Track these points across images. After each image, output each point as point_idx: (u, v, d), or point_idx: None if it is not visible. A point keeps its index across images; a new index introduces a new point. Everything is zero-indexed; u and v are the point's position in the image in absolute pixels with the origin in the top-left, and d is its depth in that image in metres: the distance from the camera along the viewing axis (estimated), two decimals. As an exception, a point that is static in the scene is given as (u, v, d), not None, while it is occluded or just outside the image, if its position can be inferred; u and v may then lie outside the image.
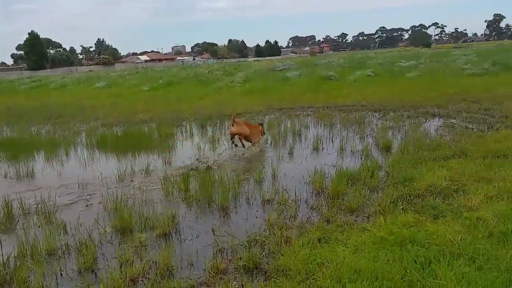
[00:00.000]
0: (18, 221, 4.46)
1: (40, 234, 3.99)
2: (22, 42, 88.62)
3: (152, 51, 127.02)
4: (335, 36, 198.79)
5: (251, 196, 4.80)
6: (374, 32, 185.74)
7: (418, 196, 4.27)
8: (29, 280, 3.16)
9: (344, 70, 19.00)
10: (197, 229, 4.04)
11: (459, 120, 8.46)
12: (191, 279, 3.05)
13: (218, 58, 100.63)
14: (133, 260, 3.38)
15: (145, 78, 25.91)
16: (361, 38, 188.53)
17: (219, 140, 8.22)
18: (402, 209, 3.92)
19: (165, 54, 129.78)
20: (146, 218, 4.23)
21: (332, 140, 7.42)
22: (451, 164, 5.15)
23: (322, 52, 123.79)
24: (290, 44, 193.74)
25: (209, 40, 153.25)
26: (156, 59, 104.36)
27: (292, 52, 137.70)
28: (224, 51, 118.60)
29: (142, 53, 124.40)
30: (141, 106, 14.47)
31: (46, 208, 4.57)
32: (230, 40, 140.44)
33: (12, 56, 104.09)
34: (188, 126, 10.12)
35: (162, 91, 19.89)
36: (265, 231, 3.79)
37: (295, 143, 7.38)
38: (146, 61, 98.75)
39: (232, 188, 4.88)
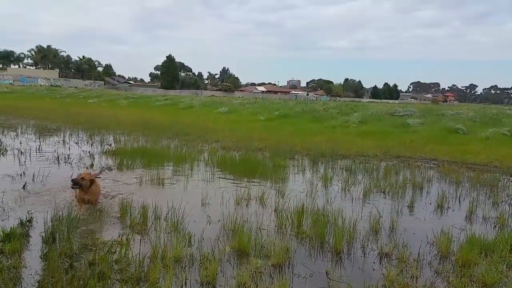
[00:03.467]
0: (152, 224, 4.99)
1: (169, 241, 4.41)
2: (160, 64, 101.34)
3: (269, 83, 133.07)
4: (462, 86, 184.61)
5: (367, 245, 4.62)
6: (510, 86, 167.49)
7: None
8: (159, 282, 3.49)
9: (475, 124, 17.36)
10: (310, 267, 4.03)
11: None
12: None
13: (332, 96, 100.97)
14: (250, 285, 3.50)
15: (262, 108, 27.19)
16: (493, 91, 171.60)
17: (331, 179, 8.14)
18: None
19: (280, 86, 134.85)
20: (262, 246, 4.37)
21: (460, 201, 6.78)
22: None
23: (446, 101, 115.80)
24: (411, 89, 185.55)
25: (325, 77, 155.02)
26: (272, 91, 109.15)
27: (412, 98, 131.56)
28: (339, 89, 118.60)
29: (259, 84, 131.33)
30: (257, 134, 15.18)
31: (175, 217, 5.03)
32: (346, 79, 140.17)
33: (150, 74, 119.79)
34: (300, 160, 10.29)
35: (277, 122, 20.62)
36: (384, 287, 3.60)
37: (415, 196, 6.92)
38: (262, 91, 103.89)
39: (347, 232, 4.76)
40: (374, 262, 4.21)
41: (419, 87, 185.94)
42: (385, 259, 4.27)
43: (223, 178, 8.01)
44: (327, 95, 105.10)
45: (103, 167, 5.97)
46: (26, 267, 3.72)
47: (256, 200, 6.38)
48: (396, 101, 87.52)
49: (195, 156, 9.94)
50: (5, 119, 18.09)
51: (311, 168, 9.43)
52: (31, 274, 3.59)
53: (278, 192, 6.93)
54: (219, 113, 24.94)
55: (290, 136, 15.18)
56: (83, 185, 5.34)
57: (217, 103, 31.18)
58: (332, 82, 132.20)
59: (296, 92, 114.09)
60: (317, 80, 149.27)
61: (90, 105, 31.46)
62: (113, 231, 4.78)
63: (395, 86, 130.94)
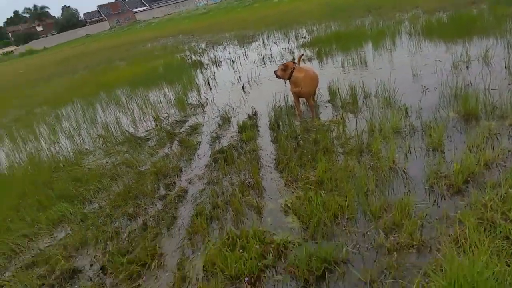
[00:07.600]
0: (363, 102, 4.98)
1: (383, 115, 4.33)
2: None
3: None
4: None
5: None
6: None
7: None
8: (381, 152, 3.54)
9: None
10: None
11: None
12: None
13: None
14: (484, 147, 3.16)
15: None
16: None
17: None
18: None
19: None
20: (494, 107, 3.80)
21: None
22: None
23: None
24: None
25: None
26: None
27: None
28: None
29: None
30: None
31: (386, 92, 4.85)
32: None
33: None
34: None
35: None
36: None
37: None
38: None
39: None
40: None
41: None
42: None
43: (432, 44, 7.12)
44: None
45: (302, 54, 5.79)
46: (262, 150, 4.37)
47: (478, 60, 5.47)
48: None
49: (394, 28, 9.07)
50: (211, 36, 20.47)
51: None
52: (267, 154, 4.20)
53: (508, 46, 5.72)
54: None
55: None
56: (280, 76, 4.94)
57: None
58: None
59: None
60: None
61: (275, 4, 32.11)
62: (327, 113, 5.01)
63: None
